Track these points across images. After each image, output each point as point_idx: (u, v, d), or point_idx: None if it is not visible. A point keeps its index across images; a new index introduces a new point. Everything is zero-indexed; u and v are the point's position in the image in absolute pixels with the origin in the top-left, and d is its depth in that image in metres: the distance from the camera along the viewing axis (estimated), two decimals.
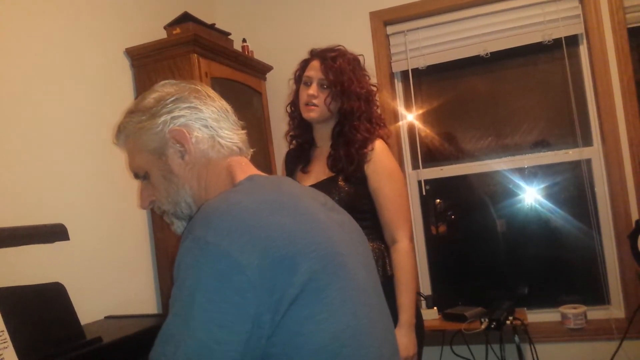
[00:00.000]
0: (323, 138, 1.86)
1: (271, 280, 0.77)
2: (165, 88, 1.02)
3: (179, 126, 0.97)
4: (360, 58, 1.85)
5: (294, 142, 1.95)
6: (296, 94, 1.86)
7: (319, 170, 1.83)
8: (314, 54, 1.83)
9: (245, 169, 1.00)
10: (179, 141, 0.97)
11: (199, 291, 0.77)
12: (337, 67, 1.74)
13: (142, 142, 1.00)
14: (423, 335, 1.76)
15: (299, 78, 1.84)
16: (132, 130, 1.01)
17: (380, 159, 1.75)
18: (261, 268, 0.77)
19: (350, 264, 0.90)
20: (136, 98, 2.35)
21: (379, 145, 1.76)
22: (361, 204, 1.72)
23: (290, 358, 0.79)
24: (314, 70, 1.78)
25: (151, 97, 1.01)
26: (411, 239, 1.75)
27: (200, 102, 1.00)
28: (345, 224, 1.01)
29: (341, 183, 1.74)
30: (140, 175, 1.02)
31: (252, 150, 1.07)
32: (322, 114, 1.78)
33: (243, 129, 1.05)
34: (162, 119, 0.98)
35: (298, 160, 1.92)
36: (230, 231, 0.79)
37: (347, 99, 1.75)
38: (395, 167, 1.79)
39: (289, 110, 1.92)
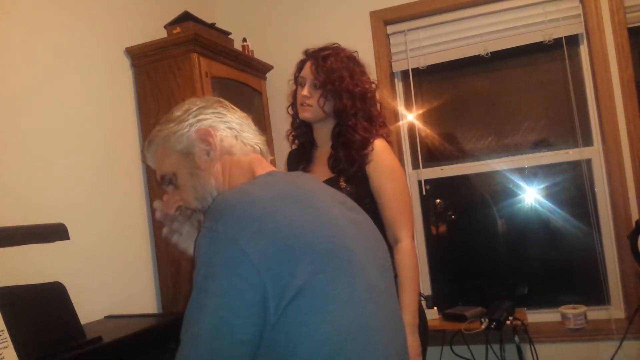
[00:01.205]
0: (323, 138, 1.85)
1: (276, 268, 0.81)
2: (192, 101, 1.10)
3: (204, 126, 1.03)
4: (355, 54, 1.83)
5: (295, 142, 1.95)
6: (294, 95, 1.87)
7: (321, 171, 1.82)
8: (308, 55, 1.83)
9: (266, 166, 1.06)
10: (204, 139, 1.02)
11: (211, 278, 0.83)
12: (327, 66, 1.73)
13: (170, 144, 1.05)
14: (427, 335, 1.75)
15: (297, 79, 1.85)
16: (160, 138, 1.07)
17: (381, 159, 1.73)
18: (267, 256, 0.81)
19: (360, 262, 0.92)
20: (137, 97, 2.37)
21: (379, 144, 1.75)
22: (363, 204, 1.70)
23: (294, 346, 0.82)
24: (307, 71, 1.78)
25: (179, 109, 1.08)
26: (413, 238, 1.74)
27: (224, 109, 1.07)
28: (363, 224, 1.03)
29: (343, 184, 1.74)
30: (167, 178, 1.07)
31: (272, 157, 1.12)
32: (316, 114, 1.77)
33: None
34: (189, 122, 1.04)
35: (300, 160, 1.92)
36: (239, 220, 0.84)
37: (339, 98, 1.74)
38: (396, 166, 1.78)
39: (290, 111, 1.93)
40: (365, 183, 1.74)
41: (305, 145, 1.91)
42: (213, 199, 1.02)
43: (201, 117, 1.04)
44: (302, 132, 1.90)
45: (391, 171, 1.74)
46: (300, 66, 1.84)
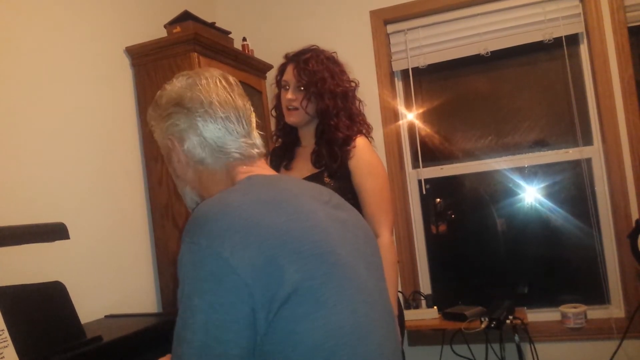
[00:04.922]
0: (307, 138, 1.92)
1: (263, 279, 0.79)
2: (176, 83, 1.05)
3: (174, 134, 1.02)
4: (334, 54, 1.89)
5: (279, 140, 2.01)
6: (278, 98, 1.93)
7: (303, 167, 1.88)
8: (289, 59, 1.89)
9: (247, 169, 1.01)
10: (173, 148, 1.03)
11: (196, 294, 0.81)
12: (310, 69, 1.80)
13: (157, 141, 1.08)
14: (404, 326, 1.84)
15: (279, 83, 1.91)
16: (151, 126, 1.09)
17: (362, 155, 1.80)
18: (253, 267, 0.79)
19: (349, 264, 0.90)
20: (137, 96, 2.36)
21: (360, 141, 1.82)
22: (346, 199, 1.74)
23: (286, 356, 0.80)
24: (289, 75, 1.84)
25: (164, 93, 1.05)
26: (392, 233, 1.80)
27: (203, 114, 0.99)
28: (350, 222, 1.01)
29: (327, 179, 1.80)
30: None
31: (258, 150, 1.04)
32: (302, 117, 1.84)
33: (257, 126, 1.07)
34: (162, 125, 1.04)
35: (282, 158, 1.98)
36: (221, 233, 0.81)
37: (322, 99, 1.79)
38: (377, 163, 1.84)
39: (274, 114, 1.99)
40: (347, 178, 1.80)
41: (288, 144, 1.97)
42: (194, 201, 1.05)
43: (172, 121, 1.01)
44: (287, 132, 1.96)
45: (372, 167, 1.81)
46: (282, 70, 1.90)
